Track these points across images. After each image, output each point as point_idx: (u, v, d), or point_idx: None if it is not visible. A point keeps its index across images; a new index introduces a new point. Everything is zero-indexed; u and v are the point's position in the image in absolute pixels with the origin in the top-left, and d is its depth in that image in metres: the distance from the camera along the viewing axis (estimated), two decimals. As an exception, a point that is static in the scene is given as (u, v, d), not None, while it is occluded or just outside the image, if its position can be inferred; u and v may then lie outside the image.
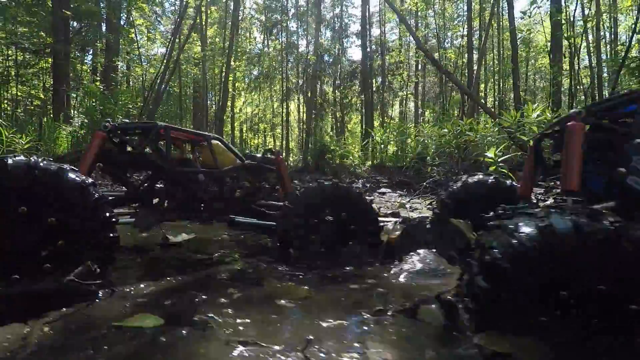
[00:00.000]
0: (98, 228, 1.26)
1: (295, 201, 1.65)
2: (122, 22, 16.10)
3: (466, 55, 20.58)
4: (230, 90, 27.45)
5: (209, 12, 24.12)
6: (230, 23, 22.98)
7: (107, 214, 1.27)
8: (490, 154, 4.71)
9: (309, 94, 27.92)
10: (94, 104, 8.40)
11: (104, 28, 14.16)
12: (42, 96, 16.61)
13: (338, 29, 33.37)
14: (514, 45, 14.63)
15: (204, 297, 1.54)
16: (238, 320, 1.28)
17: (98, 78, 13.13)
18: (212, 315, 1.34)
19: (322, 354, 1.10)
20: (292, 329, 1.28)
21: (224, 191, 1.89)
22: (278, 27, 31.17)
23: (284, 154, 24.34)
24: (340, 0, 32.49)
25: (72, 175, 1.27)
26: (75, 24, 13.74)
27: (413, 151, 7.40)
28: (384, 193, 6.01)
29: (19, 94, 15.68)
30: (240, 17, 31.21)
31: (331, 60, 33.63)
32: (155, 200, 1.85)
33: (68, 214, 1.24)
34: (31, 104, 17.92)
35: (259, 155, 2.11)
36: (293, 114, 35.78)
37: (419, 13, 29.79)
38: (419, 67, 33.30)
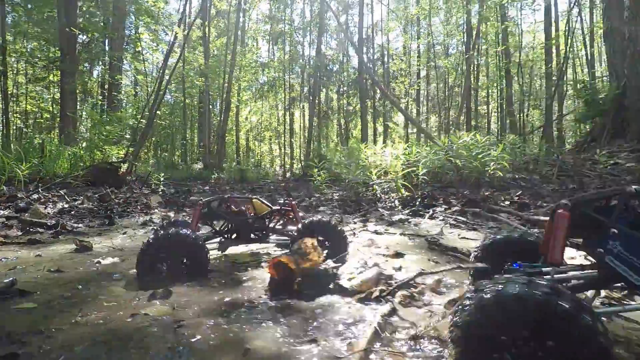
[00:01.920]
0: (203, 255, 2.66)
1: (302, 228, 3.06)
2: (127, 36, 16.55)
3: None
4: (235, 100, 27.92)
5: (211, 25, 24.56)
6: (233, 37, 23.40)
7: (205, 247, 2.68)
8: (392, 172, 4.98)
9: (316, 101, 28.13)
10: (94, 128, 8.82)
11: (107, 47, 14.59)
12: (51, 109, 17.14)
13: (343, 37, 33.69)
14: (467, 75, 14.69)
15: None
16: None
17: (104, 92, 13.52)
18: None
19: None
20: None
21: (261, 226, 3.43)
22: (283, 36, 31.57)
23: (288, 162, 24.44)
24: (345, 9, 32.78)
25: (188, 233, 2.62)
26: (84, 36, 14.20)
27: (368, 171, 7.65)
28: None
29: (28, 107, 16.20)
30: (245, 28, 31.79)
31: (335, 68, 34.02)
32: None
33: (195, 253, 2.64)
34: (41, 117, 18.50)
35: (280, 202, 3.71)
36: (298, 121, 36.14)
37: (422, 21, 30.07)
38: (422, 75, 33.50)
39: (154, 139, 21.15)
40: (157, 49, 19.89)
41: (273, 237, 3.47)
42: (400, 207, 6.43)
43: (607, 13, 9.76)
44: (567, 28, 12.26)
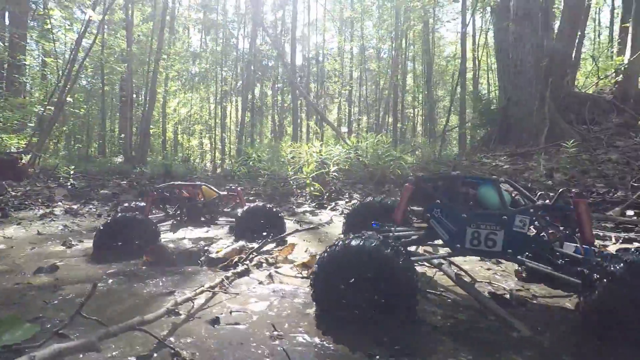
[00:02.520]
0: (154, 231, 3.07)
1: (244, 212, 3.46)
2: (33, 10, 15.00)
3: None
4: (161, 90, 26.66)
5: (134, 10, 23.17)
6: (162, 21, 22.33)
7: (156, 228, 3.10)
8: (305, 170, 5.65)
9: (249, 96, 27.94)
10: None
11: (7, 21, 13.17)
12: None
13: (279, 33, 33.77)
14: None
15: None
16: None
17: (2, 73, 12.21)
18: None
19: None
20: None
21: (210, 209, 3.85)
22: (216, 27, 30.79)
23: (220, 157, 23.90)
24: (282, 4, 32.85)
25: (143, 219, 3.05)
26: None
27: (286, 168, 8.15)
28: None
29: None
30: (176, 14, 30.41)
31: (271, 64, 34.03)
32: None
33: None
34: None
35: (227, 188, 4.14)
36: (231, 116, 35.53)
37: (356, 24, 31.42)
38: (356, 76, 35.00)
39: (65, 128, 19.48)
40: (71, 29, 18.29)
41: (222, 219, 3.89)
42: (309, 201, 6.98)
43: (497, 36, 11.31)
44: (462, 48, 13.84)
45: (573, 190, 1.92)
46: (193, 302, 1.87)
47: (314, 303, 1.78)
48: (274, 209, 3.62)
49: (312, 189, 6.77)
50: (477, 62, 18.96)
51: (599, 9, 25.53)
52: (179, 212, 3.77)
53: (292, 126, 24.05)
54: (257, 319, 1.77)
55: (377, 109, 32.23)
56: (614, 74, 10.58)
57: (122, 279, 2.33)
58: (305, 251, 2.98)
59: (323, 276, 1.72)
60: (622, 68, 10.21)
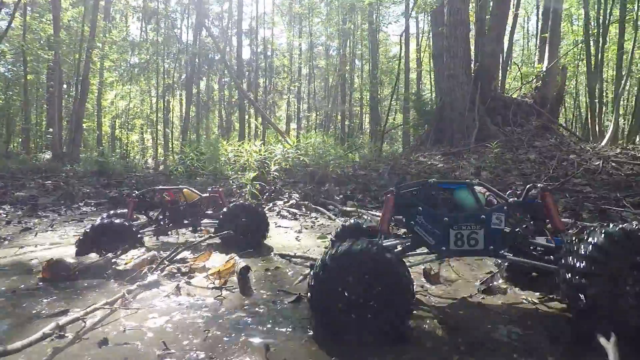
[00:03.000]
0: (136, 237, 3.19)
1: (227, 211, 3.60)
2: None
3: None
4: (96, 81, 24.83)
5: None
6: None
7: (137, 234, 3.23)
8: (246, 176, 5.72)
9: (194, 90, 26.84)
10: None
11: None
12: None
13: (226, 25, 32.76)
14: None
15: None
16: None
17: None
18: None
19: None
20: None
21: (193, 212, 3.83)
22: (157, 16, 29.16)
23: (162, 154, 22.64)
24: (229, -4, 31.81)
25: (122, 222, 3.17)
26: None
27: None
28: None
29: None
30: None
31: (217, 57, 32.98)
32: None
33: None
34: None
35: (209, 190, 4.15)
36: (174, 110, 34.02)
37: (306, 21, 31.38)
38: (305, 72, 35.04)
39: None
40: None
41: (204, 221, 3.89)
42: (249, 202, 6.89)
43: (434, 39, 11.86)
44: (406, 49, 14.38)
45: (538, 185, 2.08)
46: (84, 322, 1.77)
47: (310, 309, 1.78)
48: (255, 206, 3.69)
49: (249, 188, 6.69)
50: (420, 63, 19.77)
51: (528, 17, 27.75)
52: (161, 217, 3.75)
53: (239, 123, 23.54)
54: (151, 337, 1.71)
55: (326, 105, 32.55)
56: (535, 80, 11.57)
57: (10, 297, 2.14)
58: (228, 259, 2.92)
59: (321, 281, 1.74)
60: (541, 75, 11.19)
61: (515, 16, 17.63)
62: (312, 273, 1.79)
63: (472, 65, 11.09)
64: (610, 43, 19.55)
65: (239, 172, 8.48)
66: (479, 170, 8.99)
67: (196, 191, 3.99)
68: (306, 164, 8.14)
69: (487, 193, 2.34)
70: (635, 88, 18.15)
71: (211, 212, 4.01)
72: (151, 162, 27.49)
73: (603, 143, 11.96)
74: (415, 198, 2.21)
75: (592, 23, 19.08)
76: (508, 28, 18.44)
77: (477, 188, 2.29)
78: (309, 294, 1.76)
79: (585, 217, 5.28)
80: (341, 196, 7.11)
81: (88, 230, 3.00)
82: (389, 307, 1.69)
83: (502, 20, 10.50)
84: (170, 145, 30.23)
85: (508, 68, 16.43)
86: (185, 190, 3.93)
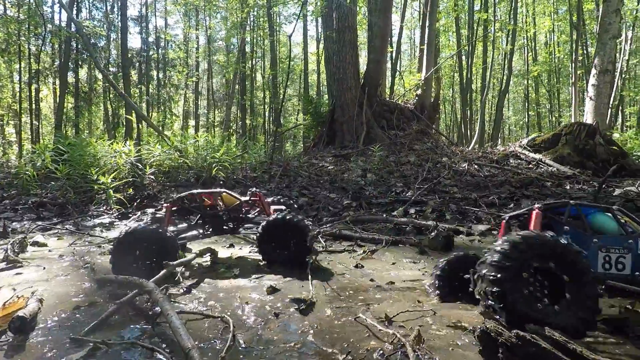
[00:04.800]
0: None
1: (266, 225, 3.24)
2: None
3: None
4: None
5: None
6: None
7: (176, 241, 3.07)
8: (103, 179, 5.15)
9: (68, 79, 23.24)
10: None
11: None
12: None
13: (110, 9, 29.24)
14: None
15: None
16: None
17: None
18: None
19: None
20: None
21: (233, 217, 3.62)
22: (19, -11, 24.55)
23: (30, 150, 19.19)
24: (115, -24, 28.37)
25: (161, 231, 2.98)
26: None
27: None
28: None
29: None
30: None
31: (102, 44, 29.35)
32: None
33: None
34: None
35: (249, 192, 3.83)
36: (47, 100, 29.32)
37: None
38: (204, 68, 33.19)
39: None
40: None
41: (245, 226, 3.67)
42: (115, 210, 6.04)
43: (326, 43, 12.08)
44: (290, 53, 14.51)
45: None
46: None
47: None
48: (296, 220, 3.20)
49: (114, 197, 5.86)
50: (320, 65, 20.19)
51: (414, 30, 30.43)
52: (200, 222, 3.55)
53: (125, 119, 21.19)
54: None
55: (228, 103, 31.36)
56: (415, 88, 12.61)
57: None
58: (28, 295, 2.33)
59: None
60: (420, 84, 12.23)
61: (401, 28, 19.11)
62: None
63: (360, 70, 11.57)
64: (477, 58, 22.45)
65: (105, 176, 7.45)
66: (365, 173, 9.39)
67: (235, 195, 3.77)
68: (189, 166, 7.51)
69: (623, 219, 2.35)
70: (497, 98, 21.19)
71: (254, 217, 3.75)
72: (14, 159, 23.15)
73: (470, 147, 13.59)
74: (559, 216, 2.24)
75: (463, 40, 21.75)
76: (395, 38, 20.00)
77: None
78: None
79: (448, 218, 5.80)
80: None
81: (119, 240, 2.78)
82: None
83: (385, 29, 11.17)
84: (43, 141, 25.92)
85: (397, 75, 17.73)
86: (224, 194, 3.70)
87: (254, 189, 3.98)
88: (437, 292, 2.54)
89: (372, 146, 10.03)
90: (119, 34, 25.52)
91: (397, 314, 2.04)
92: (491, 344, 1.46)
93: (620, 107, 21.07)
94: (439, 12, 16.79)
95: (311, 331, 1.83)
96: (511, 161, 9.18)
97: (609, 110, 10.27)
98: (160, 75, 30.56)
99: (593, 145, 8.41)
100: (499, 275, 1.74)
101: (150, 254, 2.83)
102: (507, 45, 21.36)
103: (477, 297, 1.90)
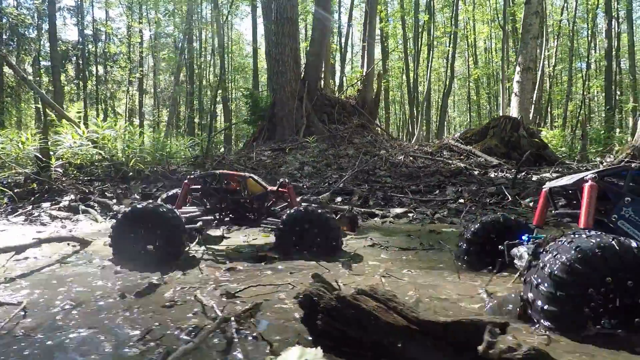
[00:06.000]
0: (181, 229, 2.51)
1: (288, 219, 2.83)
2: None
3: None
4: None
5: None
6: None
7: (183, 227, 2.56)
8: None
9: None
10: None
11: None
12: None
13: (43, -2, 26.94)
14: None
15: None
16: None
17: None
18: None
19: None
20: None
21: (258, 207, 3.19)
22: None
23: None
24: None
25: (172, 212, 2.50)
26: None
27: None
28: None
29: None
30: None
31: (33, 34, 27.07)
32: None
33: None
34: None
35: (279, 182, 3.33)
36: (-33, 95, 26.36)
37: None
38: (151, 64, 31.61)
39: None
40: None
41: (266, 220, 3.16)
42: (9, 210, 5.31)
43: (266, 37, 11.77)
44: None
45: None
46: None
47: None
48: (324, 213, 2.82)
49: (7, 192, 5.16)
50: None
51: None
52: (219, 206, 3.09)
53: (42, 110, 19.58)
54: None
55: (172, 100, 30.08)
56: (357, 83, 12.64)
57: None
58: None
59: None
60: (362, 79, 12.28)
61: (349, 26, 19.24)
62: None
63: (300, 64, 11.38)
64: (423, 60, 23.18)
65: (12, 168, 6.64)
66: (303, 165, 9.19)
67: (262, 182, 3.26)
68: (104, 158, 6.88)
69: None
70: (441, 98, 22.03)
71: (279, 210, 3.29)
72: None
73: (413, 141, 13.85)
74: (620, 186, 1.83)
75: (409, 43, 22.38)
76: (344, 32, 20.14)
77: None
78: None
79: (370, 204, 5.72)
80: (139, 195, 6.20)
81: (122, 217, 2.40)
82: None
83: (324, 22, 11.07)
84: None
85: (342, 69, 17.77)
86: (249, 179, 3.21)
87: (284, 179, 3.39)
88: (466, 257, 2.34)
89: (311, 139, 9.87)
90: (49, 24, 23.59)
91: (244, 289, 1.79)
92: (314, 311, 1.24)
93: (549, 108, 22.59)
94: (382, 11, 17.11)
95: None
96: (445, 153, 9.38)
97: (532, 105, 10.90)
98: (101, 71, 28.71)
99: (517, 137, 8.79)
100: (558, 294, 1.38)
101: (152, 236, 2.40)
102: (449, 47, 22.27)
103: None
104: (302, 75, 11.32)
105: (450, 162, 8.37)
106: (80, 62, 27.67)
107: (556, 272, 1.40)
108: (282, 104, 11.05)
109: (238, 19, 28.98)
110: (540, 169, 7.74)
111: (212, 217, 3.08)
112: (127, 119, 30.13)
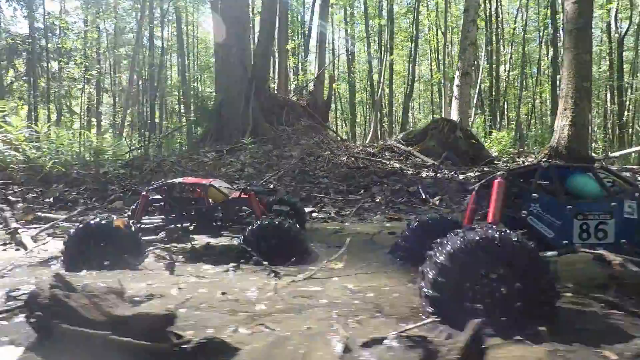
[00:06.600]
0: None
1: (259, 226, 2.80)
2: None
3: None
4: None
5: None
6: None
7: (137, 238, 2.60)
8: None
9: None
10: None
11: None
12: None
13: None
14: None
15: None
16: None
17: None
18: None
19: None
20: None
21: (226, 213, 3.18)
22: None
23: None
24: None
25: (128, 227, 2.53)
26: None
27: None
28: None
29: None
30: None
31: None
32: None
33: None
34: None
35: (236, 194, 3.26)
36: None
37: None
38: (111, 62, 30.54)
39: None
40: None
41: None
42: None
43: (214, 35, 11.59)
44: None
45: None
46: None
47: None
48: (288, 225, 2.76)
49: None
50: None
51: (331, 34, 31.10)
52: (179, 216, 3.11)
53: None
54: None
55: (141, 102, 29.20)
56: (308, 84, 12.68)
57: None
58: None
59: None
60: (313, 81, 12.32)
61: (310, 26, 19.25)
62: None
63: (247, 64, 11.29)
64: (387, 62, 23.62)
65: None
66: (244, 167, 9.10)
67: (223, 190, 3.18)
68: (19, 161, 6.55)
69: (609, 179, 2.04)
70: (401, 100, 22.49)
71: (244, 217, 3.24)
72: None
73: (367, 141, 14.01)
74: (528, 184, 1.94)
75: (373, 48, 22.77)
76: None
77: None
78: None
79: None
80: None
81: (72, 236, 2.42)
82: None
83: (270, 23, 11.03)
84: None
85: (295, 73, 17.83)
86: (211, 188, 3.14)
87: (246, 186, 3.36)
88: (399, 254, 2.47)
89: (256, 140, 9.81)
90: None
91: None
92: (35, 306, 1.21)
93: (505, 112, 23.49)
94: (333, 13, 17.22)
95: None
96: (386, 154, 9.54)
97: (471, 108, 11.32)
98: (56, 67, 27.43)
99: (454, 138, 9.06)
100: (439, 279, 1.45)
101: (106, 251, 2.42)
102: (411, 49, 22.82)
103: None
104: (250, 76, 11.24)
105: (388, 162, 8.52)
106: (31, 57, 26.34)
107: (440, 259, 1.49)
108: (229, 105, 10.92)
109: (204, 18, 28.43)
110: (472, 167, 8.01)
111: (174, 227, 3.05)
112: (82, 118, 28.99)
